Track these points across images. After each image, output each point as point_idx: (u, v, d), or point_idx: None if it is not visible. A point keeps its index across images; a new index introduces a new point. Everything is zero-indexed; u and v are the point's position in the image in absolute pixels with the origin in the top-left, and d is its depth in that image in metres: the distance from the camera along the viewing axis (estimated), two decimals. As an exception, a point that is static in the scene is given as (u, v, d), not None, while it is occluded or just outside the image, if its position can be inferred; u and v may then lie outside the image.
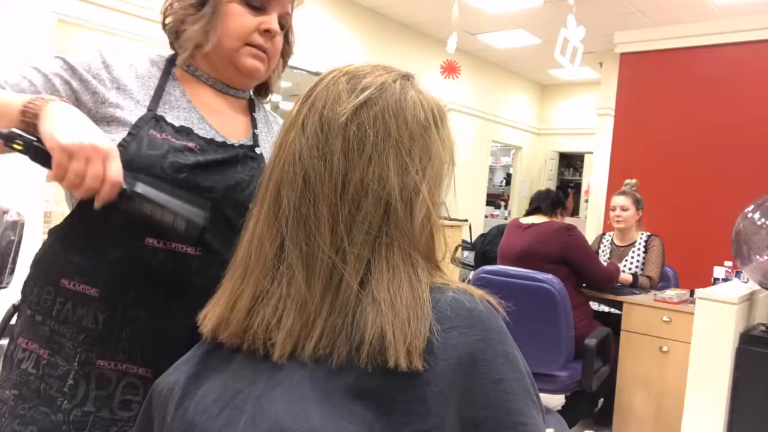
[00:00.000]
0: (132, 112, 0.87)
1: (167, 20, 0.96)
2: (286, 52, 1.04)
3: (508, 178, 9.01)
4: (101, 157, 0.72)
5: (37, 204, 3.26)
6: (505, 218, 8.23)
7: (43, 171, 0.76)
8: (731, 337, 2.12)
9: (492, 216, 8.23)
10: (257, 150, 0.95)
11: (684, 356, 2.34)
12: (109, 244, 0.83)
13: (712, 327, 2.16)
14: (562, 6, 4.85)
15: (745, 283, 2.50)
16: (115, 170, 0.74)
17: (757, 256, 2.10)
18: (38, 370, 0.83)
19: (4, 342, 0.93)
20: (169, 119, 0.89)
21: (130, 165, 0.80)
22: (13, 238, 1.79)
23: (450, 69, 4.07)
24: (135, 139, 0.84)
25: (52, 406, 0.82)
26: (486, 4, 5.14)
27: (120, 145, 0.83)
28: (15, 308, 0.96)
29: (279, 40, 0.97)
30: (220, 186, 0.86)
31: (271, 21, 0.93)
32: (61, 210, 0.91)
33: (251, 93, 1.06)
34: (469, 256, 5.54)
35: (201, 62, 0.95)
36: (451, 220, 6.18)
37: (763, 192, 2.34)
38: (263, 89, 1.08)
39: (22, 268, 1.42)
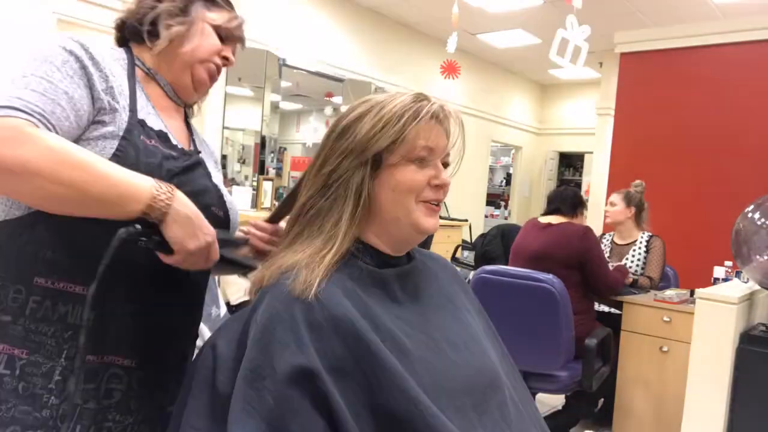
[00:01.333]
0: (121, 115, 0.88)
1: (138, 9, 0.98)
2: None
3: (508, 178, 9.01)
4: (211, 248, 0.85)
5: None
6: (505, 218, 8.23)
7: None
8: (731, 337, 2.12)
9: (492, 216, 8.23)
10: (201, 156, 1.02)
11: (684, 356, 2.34)
12: (93, 241, 0.82)
13: (712, 327, 2.16)
14: (562, 6, 4.85)
15: (745, 283, 2.50)
16: (215, 253, 0.87)
17: (757, 256, 2.10)
18: (14, 371, 0.82)
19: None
20: (149, 124, 0.92)
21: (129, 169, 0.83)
22: None
23: (450, 69, 4.07)
24: (130, 146, 0.86)
25: (36, 404, 0.82)
26: (486, 4, 5.14)
27: (117, 152, 0.85)
28: None
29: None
30: (193, 191, 0.90)
31: (231, 52, 1.06)
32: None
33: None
34: (469, 256, 5.54)
35: (162, 67, 0.99)
36: (451, 220, 6.18)
37: (763, 192, 2.33)
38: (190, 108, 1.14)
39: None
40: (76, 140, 0.84)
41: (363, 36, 5.62)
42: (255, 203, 4.62)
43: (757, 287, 2.30)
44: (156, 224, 0.80)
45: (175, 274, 0.88)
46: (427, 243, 4.60)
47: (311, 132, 5.57)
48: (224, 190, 1.06)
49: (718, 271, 2.88)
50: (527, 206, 8.47)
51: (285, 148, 5.28)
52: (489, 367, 0.89)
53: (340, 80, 5.36)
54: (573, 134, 8.21)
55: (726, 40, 4.49)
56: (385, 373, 0.74)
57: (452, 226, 6.03)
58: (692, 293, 2.76)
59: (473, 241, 5.91)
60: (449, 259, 5.24)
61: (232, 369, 0.75)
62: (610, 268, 2.89)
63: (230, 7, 1.06)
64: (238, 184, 4.77)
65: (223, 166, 4.70)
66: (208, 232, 0.84)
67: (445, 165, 0.89)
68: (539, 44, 6.15)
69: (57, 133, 0.80)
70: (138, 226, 0.79)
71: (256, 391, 0.71)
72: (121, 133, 0.86)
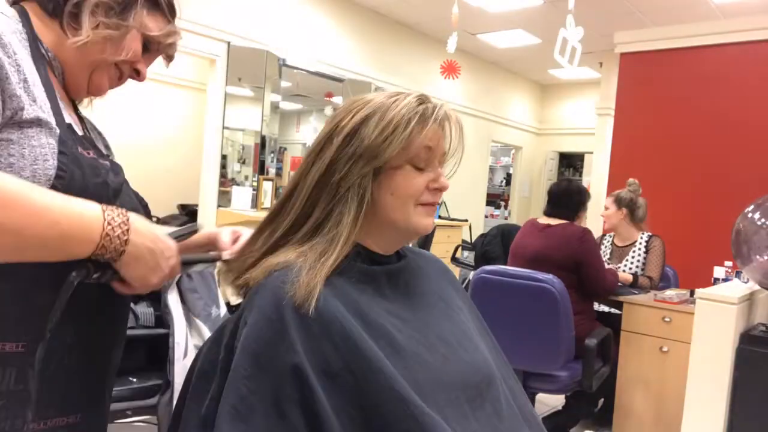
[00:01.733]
0: (47, 115, 0.71)
1: None
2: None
3: (508, 178, 9.01)
4: (172, 269, 0.75)
5: None
6: (505, 218, 8.23)
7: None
8: (731, 337, 2.12)
9: (492, 216, 8.23)
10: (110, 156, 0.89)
11: (684, 356, 2.34)
12: (31, 288, 0.69)
13: (712, 327, 2.16)
14: (562, 6, 4.85)
15: (745, 283, 2.50)
16: (178, 267, 0.77)
17: (757, 256, 2.10)
18: None
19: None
20: (74, 127, 0.77)
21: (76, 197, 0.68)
22: None
23: (450, 69, 4.07)
24: (73, 163, 0.71)
25: None
26: (486, 4, 5.14)
27: (60, 173, 0.68)
28: None
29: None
30: (128, 207, 0.78)
31: (146, 67, 0.87)
32: None
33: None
34: (469, 256, 5.54)
35: (62, 52, 0.78)
36: (451, 220, 6.18)
37: (763, 192, 2.33)
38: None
39: None
40: None
41: (363, 36, 5.62)
42: (255, 203, 4.62)
43: (757, 287, 2.29)
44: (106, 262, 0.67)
45: (121, 304, 0.81)
46: (427, 243, 4.60)
47: (311, 132, 5.57)
48: (127, 183, 0.87)
49: (718, 271, 2.88)
50: (527, 206, 8.47)
51: (285, 148, 5.28)
52: (481, 363, 0.89)
53: (340, 80, 5.36)
54: (573, 134, 8.21)
55: (726, 40, 4.49)
56: (375, 374, 0.74)
57: (452, 226, 6.03)
58: (692, 293, 2.76)
59: (473, 241, 5.91)
60: (449, 259, 5.24)
61: (223, 370, 0.75)
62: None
63: (173, 15, 0.88)
64: (238, 184, 4.77)
65: (223, 166, 4.70)
66: (170, 254, 0.73)
67: (441, 166, 0.89)
68: (539, 44, 6.14)
69: None
70: (89, 265, 0.66)
71: (242, 392, 0.71)
72: (55, 145, 0.69)
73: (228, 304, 1.98)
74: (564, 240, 2.67)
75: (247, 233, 0.96)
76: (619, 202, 3.16)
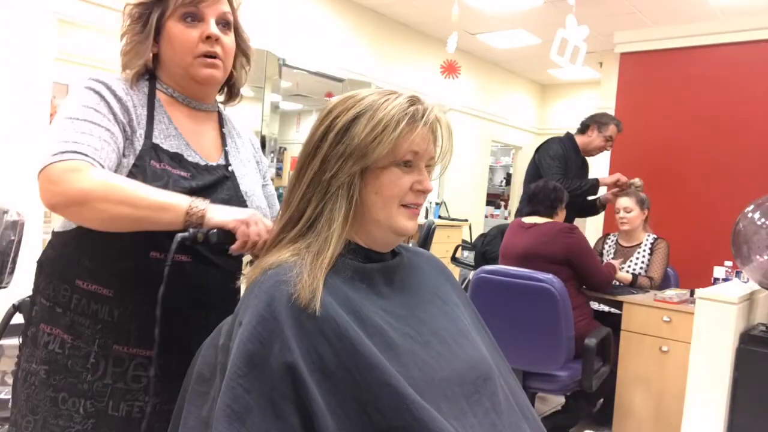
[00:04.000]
0: (136, 144, 1.00)
1: (125, 48, 1.07)
2: (243, 48, 1.14)
3: (508, 178, 9.01)
4: (261, 218, 0.97)
5: (37, 204, 3.27)
6: (505, 218, 8.22)
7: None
8: (731, 337, 2.12)
9: (492, 216, 8.22)
10: (230, 168, 1.10)
11: (684, 356, 2.34)
12: (119, 255, 0.99)
13: (712, 327, 2.16)
14: (562, 6, 4.84)
15: (745, 283, 2.50)
16: (268, 228, 0.96)
17: (757, 256, 2.10)
18: (64, 351, 1.01)
19: (6, 342, 1.07)
20: (164, 147, 1.02)
21: None
22: (13, 238, 1.79)
23: (450, 69, 4.07)
24: (140, 171, 0.98)
25: (78, 378, 1.00)
26: (486, 4, 5.14)
27: (128, 177, 0.96)
28: (15, 308, 1.18)
29: (227, 40, 1.07)
30: None
31: (209, 27, 1.04)
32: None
33: (221, 105, 1.21)
34: (469, 256, 5.53)
35: (170, 81, 1.07)
36: (451, 220, 6.18)
37: (763, 192, 2.33)
38: (232, 90, 1.19)
39: (23, 268, 1.50)
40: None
41: (363, 36, 5.61)
42: (255, 203, 4.62)
43: (757, 287, 2.29)
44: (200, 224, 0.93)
45: (183, 281, 1.01)
46: (427, 243, 4.60)
47: (311, 132, 5.55)
48: (254, 196, 1.13)
49: (718, 271, 2.88)
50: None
51: (285, 148, 5.29)
52: (478, 358, 0.89)
53: (340, 80, 5.36)
54: (573, 134, 8.20)
55: (726, 40, 4.49)
56: (371, 370, 0.74)
57: (452, 226, 6.03)
58: (692, 293, 2.76)
59: (473, 241, 5.91)
60: (449, 259, 5.24)
61: (221, 372, 0.75)
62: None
63: None
64: (238, 184, 4.77)
65: (223, 166, 4.69)
66: (244, 210, 0.97)
67: (428, 167, 0.89)
68: (539, 44, 6.14)
69: (106, 165, 0.95)
70: (191, 230, 0.92)
71: (237, 392, 0.71)
72: (133, 161, 0.99)
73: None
74: (552, 235, 2.70)
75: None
76: (642, 204, 3.18)
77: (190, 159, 1.05)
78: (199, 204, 0.93)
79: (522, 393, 0.98)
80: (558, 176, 3.29)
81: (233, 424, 0.70)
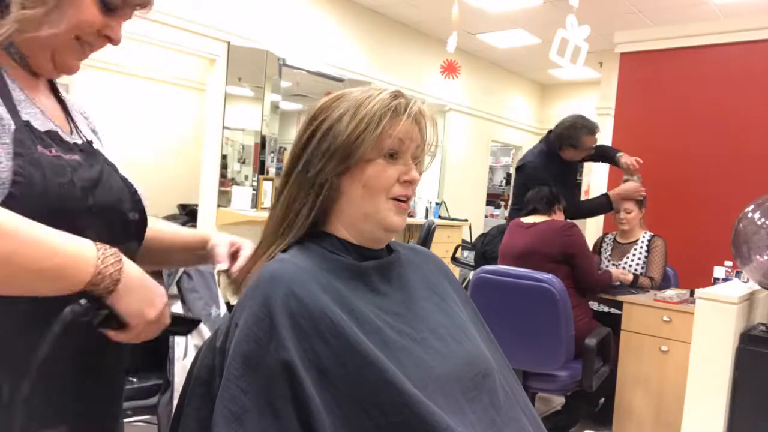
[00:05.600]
0: (4, 118, 0.69)
1: None
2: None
3: (508, 178, 9.01)
4: (165, 312, 0.73)
5: None
6: (505, 218, 8.21)
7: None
8: (731, 337, 2.12)
9: (492, 216, 8.22)
10: (94, 145, 0.83)
11: (684, 356, 2.34)
12: (26, 325, 0.70)
13: (712, 327, 2.16)
14: (562, 6, 4.85)
15: (745, 283, 2.50)
16: (166, 316, 0.74)
17: (757, 256, 2.10)
18: None
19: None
20: (34, 124, 0.72)
21: (38, 202, 0.66)
22: None
23: (450, 69, 4.07)
24: (31, 164, 0.67)
25: None
26: (486, 4, 5.14)
27: (17, 178, 0.65)
28: None
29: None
30: (114, 200, 0.79)
31: (118, 28, 0.80)
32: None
33: None
34: (469, 256, 5.54)
35: (21, 41, 0.74)
36: (451, 220, 6.18)
37: (763, 192, 2.33)
38: None
39: None
40: None
41: (363, 36, 5.61)
42: (255, 203, 4.62)
43: (757, 287, 2.29)
44: (99, 297, 0.66)
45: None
46: (427, 243, 4.60)
47: (311, 132, 5.55)
48: (128, 174, 0.85)
49: (718, 271, 2.87)
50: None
51: (285, 148, 5.28)
52: (476, 355, 0.89)
53: (340, 80, 5.36)
54: (573, 134, 8.20)
55: (726, 40, 4.49)
56: (369, 366, 0.74)
57: (452, 226, 6.03)
58: (692, 293, 2.76)
59: (473, 241, 5.91)
60: (449, 259, 5.25)
61: (218, 374, 0.76)
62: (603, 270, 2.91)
63: None
64: (238, 184, 4.77)
65: (223, 166, 4.70)
66: (161, 293, 0.73)
67: (416, 160, 0.89)
68: (539, 44, 6.14)
69: None
70: (83, 301, 0.65)
71: (235, 393, 0.71)
72: (11, 147, 0.66)
73: (228, 304, 1.98)
74: (551, 233, 2.71)
75: (247, 246, 0.96)
76: (640, 204, 3.21)
77: (63, 137, 0.77)
78: (110, 263, 0.65)
79: (521, 390, 0.98)
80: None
81: (231, 425, 0.70)
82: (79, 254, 0.64)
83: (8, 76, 0.74)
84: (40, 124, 0.74)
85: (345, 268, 0.84)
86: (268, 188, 4.63)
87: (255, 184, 4.74)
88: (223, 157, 4.69)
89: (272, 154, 5.01)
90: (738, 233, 2.19)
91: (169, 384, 1.75)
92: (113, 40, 0.79)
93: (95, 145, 0.83)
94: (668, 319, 2.69)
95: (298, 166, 0.86)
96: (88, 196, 0.73)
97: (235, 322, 0.77)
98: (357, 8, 5.52)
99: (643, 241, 3.17)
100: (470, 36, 6.08)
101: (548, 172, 3.16)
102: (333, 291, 0.79)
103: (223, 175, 4.69)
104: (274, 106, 4.99)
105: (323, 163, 0.83)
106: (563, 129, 3.22)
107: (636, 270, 3.13)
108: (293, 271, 0.79)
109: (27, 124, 0.71)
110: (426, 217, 5.88)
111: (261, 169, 4.85)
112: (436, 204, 6.44)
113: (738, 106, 4.38)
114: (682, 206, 4.46)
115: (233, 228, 4.26)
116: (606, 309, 3.11)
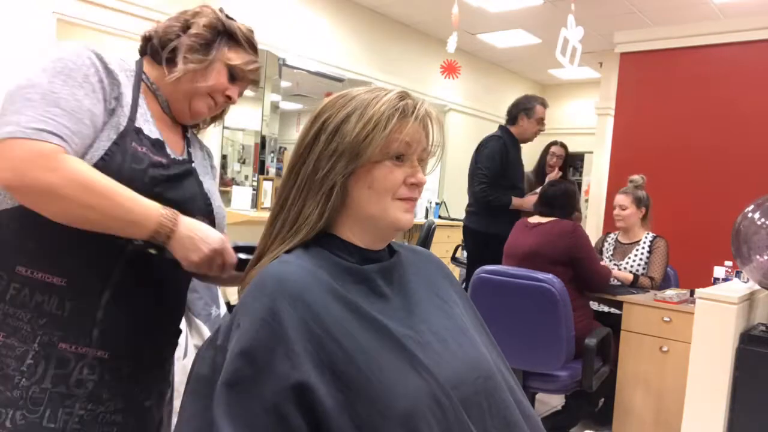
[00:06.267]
0: (120, 120, 0.94)
1: (165, 32, 1.04)
2: (218, 115, 1.20)
3: (508, 178, 9.00)
4: (220, 255, 0.95)
5: None
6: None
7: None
8: (731, 337, 2.12)
9: (492, 216, 8.21)
10: (193, 165, 1.07)
11: (684, 356, 2.34)
12: (78, 237, 0.88)
13: (712, 327, 2.16)
14: (562, 6, 4.85)
15: (745, 283, 2.50)
16: (229, 256, 0.97)
17: (757, 256, 2.10)
18: None
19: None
20: (145, 132, 0.97)
21: (114, 176, 0.88)
22: None
23: (450, 69, 4.08)
24: (119, 151, 0.91)
25: (7, 384, 0.87)
26: (486, 4, 5.14)
27: (104, 157, 0.90)
28: None
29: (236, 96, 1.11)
30: (180, 199, 0.98)
31: (237, 92, 1.10)
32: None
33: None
34: (469, 256, 5.53)
35: (165, 86, 1.04)
36: (451, 220, 6.18)
37: (763, 192, 2.33)
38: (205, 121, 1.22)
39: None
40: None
41: (363, 36, 5.61)
42: (255, 203, 4.62)
43: (757, 287, 2.29)
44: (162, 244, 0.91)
45: (155, 276, 0.98)
46: (427, 243, 4.59)
47: (311, 132, 5.55)
48: (214, 196, 1.10)
49: (718, 271, 2.87)
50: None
51: (285, 148, 5.28)
52: (477, 357, 0.90)
53: (340, 80, 5.36)
54: (573, 134, 8.18)
55: (726, 40, 4.49)
56: (380, 367, 0.75)
57: (452, 226, 6.03)
58: (692, 293, 2.76)
59: (473, 241, 5.90)
60: (449, 259, 5.24)
61: (218, 371, 0.75)
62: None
63: (254, 51, 1.11)
64: (238, 184, 4.77)
65: (223, 167, 4.70)
66: (210, 241, 0.93)
67: (421, 162, 0.89)
68: (539, 44, 6.14)
69: (80, 150, 0.88)
70: (141, 242, 0.91)
71: (238, 396, 0.71)
72: (114, 138, 0.92)
73: (228, 303, 1.98)
74: (556, 235, 2.69)
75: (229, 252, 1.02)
76: (638, 202, 3.17)
77: (167, 149, 1.01)
78: (168, 223, 0.89)
79: (521, 392, 0.98)
80: (483, 185, 3.41)
81: (237, 427, 0.70)
82: (145, 213, 0.88)
83: (146, 104, 1.01)
84: (152, 134, 0.98)
85: (349, 271, 0.84)
86: (268, 188, 4.63)
87: (255, 184, 4.74)
88: (223, 157, 4.69)
89: (272, 154, 5.01)
90: (738, 233, 2.19)
91: (169, 384, 1.75)
92: (232, 100, 1.10)
93: (195, 166, 1.07)
94: (668, 319, 2.69)
95: (305, 167, 0.85)
96: (155, 186, 0.93)
97: (237, 322, 0.76)
98: (357, 8, 5.52)
99: (645, 242, 3.16)
100: (470, 36, 6.08)
101: (502, 148, 3.49)
102: (338, 295, 0.79)
103: (223, 175, 4.69)
104: (274, 106, 4.99)
105: (332, 163, 0.82)
106: (518, 100, 3.59)
107: (637, 270, 3.13)
108: (298, 273, 0.79)
109: (137, 129, 0.95)
110: (426, 217, 5.88)
111: (261, 169, 4.85)
112: (436, 204, 6.44)
113: (738, 105, 4.38)
114: (682, 206, 4.47)
115: (233, 228, 4.26)
116: (606, 309, 3.11)
